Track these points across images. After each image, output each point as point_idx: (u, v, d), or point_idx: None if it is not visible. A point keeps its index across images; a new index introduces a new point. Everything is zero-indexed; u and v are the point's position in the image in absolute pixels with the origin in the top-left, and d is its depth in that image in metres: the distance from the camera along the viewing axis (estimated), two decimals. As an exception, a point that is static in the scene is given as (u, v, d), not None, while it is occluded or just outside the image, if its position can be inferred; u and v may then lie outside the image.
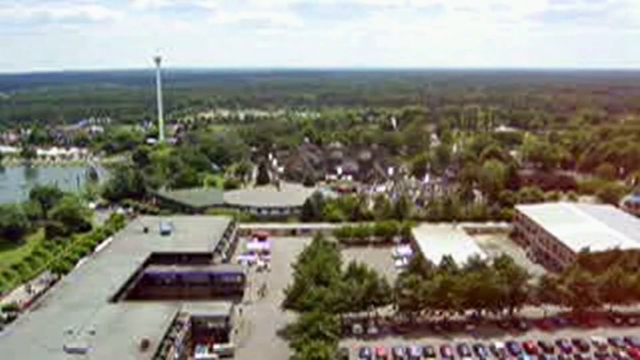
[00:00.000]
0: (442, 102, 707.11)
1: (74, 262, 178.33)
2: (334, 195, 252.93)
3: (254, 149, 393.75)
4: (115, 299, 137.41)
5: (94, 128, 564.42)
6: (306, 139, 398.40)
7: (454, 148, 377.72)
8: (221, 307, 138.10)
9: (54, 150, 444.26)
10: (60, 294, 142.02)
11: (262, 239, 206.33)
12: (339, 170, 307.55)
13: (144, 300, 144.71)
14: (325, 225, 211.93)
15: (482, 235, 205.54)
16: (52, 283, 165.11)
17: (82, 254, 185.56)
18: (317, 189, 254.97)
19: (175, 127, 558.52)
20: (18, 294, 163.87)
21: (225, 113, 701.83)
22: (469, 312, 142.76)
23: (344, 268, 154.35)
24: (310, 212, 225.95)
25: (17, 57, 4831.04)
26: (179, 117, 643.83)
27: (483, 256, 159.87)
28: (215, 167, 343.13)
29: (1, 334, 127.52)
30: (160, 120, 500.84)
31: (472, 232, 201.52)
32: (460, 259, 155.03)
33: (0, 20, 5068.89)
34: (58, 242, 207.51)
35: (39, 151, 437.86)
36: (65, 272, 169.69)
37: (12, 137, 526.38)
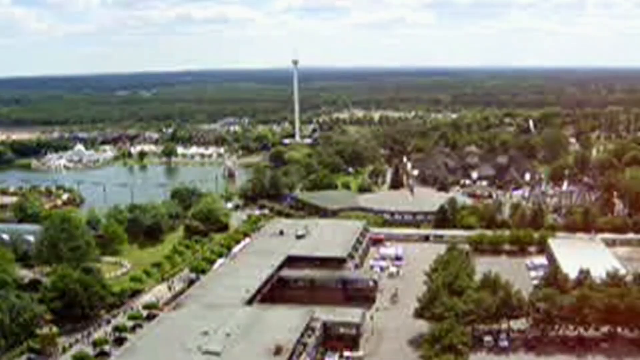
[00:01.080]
0: (582, 103, 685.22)
1: (212, 262, 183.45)
2: (469, 201, 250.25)
3: (387, 151, 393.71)
4: (250, 302, 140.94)
5: (232, 127, 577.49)
6: (441, 143, 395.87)
7: (594, 153, 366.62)
8: (353, 314, 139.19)
9: (193, 149, 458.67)
10: (199, 294, 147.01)
11: (378, 241, 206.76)
12: (474, 175, 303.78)
13: (277, 303, 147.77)
14: (458, 232, 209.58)
15: (622, 248, 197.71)
16: (191, 282, 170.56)
17: (220, 255, 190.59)
18: (452, 195, 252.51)
19: (311, 127, 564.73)
20: (158, 292, 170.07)
21: (360, 113, 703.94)
22: (604, 329, 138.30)
23: (477, 277, 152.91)
24: (444, 218, 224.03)
25: (159, 56, 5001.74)
26: (314, 117, 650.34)
27: (622, 270, 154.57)
28: (350, 169, 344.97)
29: (141, 331, 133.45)
30: (297, 120, 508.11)
31: (611, 244, 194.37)
32: (598, 273, 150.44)
33: (145, 21, 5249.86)
34: (196, 241, 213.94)
35: (179, 150, 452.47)
36: (204, 271, 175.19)
37: (155, 135, 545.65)
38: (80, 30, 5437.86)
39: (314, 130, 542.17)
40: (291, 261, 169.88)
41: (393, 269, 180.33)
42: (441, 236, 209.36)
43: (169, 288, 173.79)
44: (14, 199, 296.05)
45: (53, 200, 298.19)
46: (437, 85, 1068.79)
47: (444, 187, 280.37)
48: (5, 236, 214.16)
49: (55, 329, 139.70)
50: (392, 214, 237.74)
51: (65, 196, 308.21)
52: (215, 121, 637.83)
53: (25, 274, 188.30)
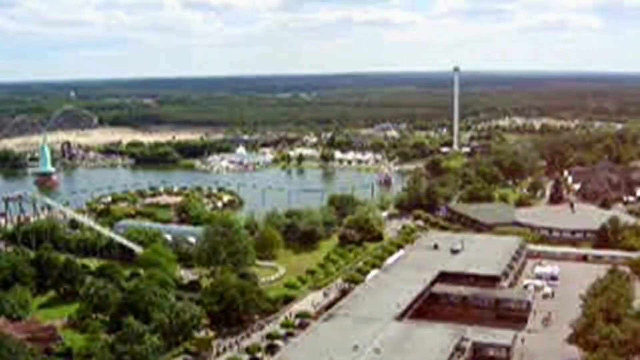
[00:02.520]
0: None
1: (365, 273, 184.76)
2: (632, 220, 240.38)
3: (546, 163, 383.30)
4: (401, 317, 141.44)
5: (389, 133, 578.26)
6: (605, 156, 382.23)
7: None
8: (504, 335, 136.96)
9: (350, 154, 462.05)
10: (351, 305, 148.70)
11: (534, 259, 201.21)
12: (639, 192, 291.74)
13: (427, 319, 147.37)
14: (619, 253, 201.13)
15: None
16: (343, 292, 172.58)
17: (374, 266, 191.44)
18: (614, 213, 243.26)
19: (469, 135, 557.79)
20: (311, 301, 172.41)
21: (520, 121, 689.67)
22: None
23: (636, 303, 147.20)
24: (604, 237, 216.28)
25: (320, 58, 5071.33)
26: (473, 124, 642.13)
27: None
28: (509, 181, 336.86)
29: (293, 340, 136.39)
30: (455, 128, 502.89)
31: None
32: None
33: (307, 24, 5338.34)
34: (350, 250, 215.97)
35: (337, 154, 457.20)
36: (356, 282, 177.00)
37: (313, 139, 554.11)
38: (245, 32, 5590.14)
39: (472, 139, 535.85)
40: (444, 277, 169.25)
41: (547, 290, 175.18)
42: (600, 257, 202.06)
43: (324, 295, 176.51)
44: (178, 199, 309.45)
45: (214, 202, 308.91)
46: (602, 92, 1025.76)
47: (606, 204, 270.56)
48: (168, 236, 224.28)
49: (211, 333, 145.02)
50: (549, 230, 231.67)
51: (226, 198, 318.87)
52: (373, 126, 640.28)
53: (185, 274, 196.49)
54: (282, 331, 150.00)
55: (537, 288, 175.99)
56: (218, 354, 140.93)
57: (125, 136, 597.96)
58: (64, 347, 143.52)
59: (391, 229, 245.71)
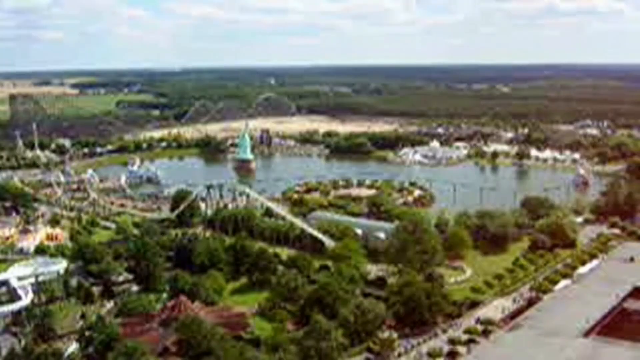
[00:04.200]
0: None
1: (554, 282, 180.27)
2: None
3: None
4: (588, 333, 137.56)
5: (589, 131, 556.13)
6: None
7: None
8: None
9: (546, 153, 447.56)
10: (536, 316, 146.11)
11: None
12: None
13: (614, 337, 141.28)
14: None
15: None
16: (530, 301, 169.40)
17: (564, 275, 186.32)
18: None
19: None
20: (496, 307, 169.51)
21: None
22: None
23: None
24: None
25: (520, 48, 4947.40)
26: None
27: None
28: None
29: (476, 349, 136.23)
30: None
31: None
32: None
33: (509, 13, 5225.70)
34: (541, 256, 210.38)
35: (533, 152, 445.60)
36: (545, 291, 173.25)
37: (509, 134, 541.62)
38: (445, 21, 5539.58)
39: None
40: (637, 292, 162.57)
41: None
42: None
43: (514, 301, 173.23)
44: (370, 192, 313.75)
45: (405, 197, 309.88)
46: None
47: None
48: (358, 230, 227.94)
49: (395, 334, 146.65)
50: None
51: (417, 193, 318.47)
52: (572, 122, 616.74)
53: (371, 270, 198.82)
54: (465, 337, 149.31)
55: None
56: (399, 355, 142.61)
57: (321, 125, 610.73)
58: (253, 335, 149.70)
59: (585, 236, 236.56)
